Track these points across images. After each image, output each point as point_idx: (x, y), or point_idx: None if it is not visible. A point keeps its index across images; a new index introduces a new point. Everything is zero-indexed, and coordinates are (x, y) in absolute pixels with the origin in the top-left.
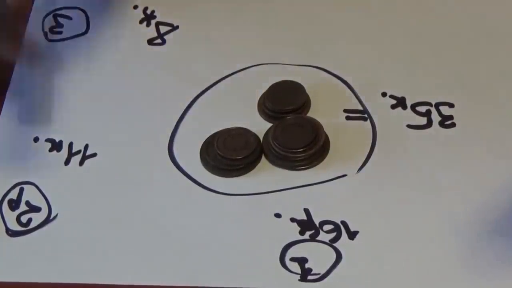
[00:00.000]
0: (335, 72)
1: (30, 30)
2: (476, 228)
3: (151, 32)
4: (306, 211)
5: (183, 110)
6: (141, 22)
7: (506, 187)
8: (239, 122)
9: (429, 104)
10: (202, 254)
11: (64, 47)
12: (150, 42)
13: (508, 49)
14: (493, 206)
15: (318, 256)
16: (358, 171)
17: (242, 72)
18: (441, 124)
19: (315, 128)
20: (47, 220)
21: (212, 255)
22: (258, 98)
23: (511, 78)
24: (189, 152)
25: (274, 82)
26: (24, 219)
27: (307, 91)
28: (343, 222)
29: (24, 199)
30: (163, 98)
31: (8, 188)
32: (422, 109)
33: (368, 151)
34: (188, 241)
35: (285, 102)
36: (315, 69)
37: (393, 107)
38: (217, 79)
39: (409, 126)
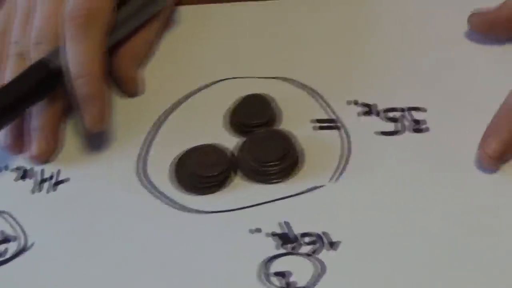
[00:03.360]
0: (304, 83)
1: None
2: (455, 234)
3: None
4: (286, 224)
5: (155, 129)
6: None
7: (481, 192)
8: (210, 138)
9: (401, 109)
10: (180, 274)
11: None
12: None
13: (479, 52)
14: (470, 210)
15: (301, 269)
16: (335, 180)
17: (212, 86)
18: (414, 129)
19: (288, 140)
20: (23, 249)
21: (191, 275)
22: (228, 112)
23: (484, 81)
24: (162, 171)
25: (243, 95)
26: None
27: (278, 103)
28: (324, 233)
29: None
30: (134, 116)
31: None
32: (395, 114)
33: (343, 160)
34: (165, 261)
35: (256, 116)
36: (284, 80)
37: (365, 114)
38: (187, 95)
39: (382, 132)
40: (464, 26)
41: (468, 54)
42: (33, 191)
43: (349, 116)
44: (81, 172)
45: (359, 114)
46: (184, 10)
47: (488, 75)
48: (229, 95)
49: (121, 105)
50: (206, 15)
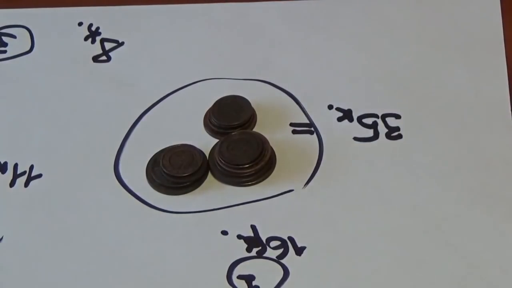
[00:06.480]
0: (280, 86)
1: None
2: (424, 242)
3: (96, 49)
4: (253, 227)
5: (129, 128)
6: (86, 39)
7: (453, 198)
8: (185, 139)
9: (376, 116)
10: (149, 273)
11: (8, 67)
12: (95, 59)
13: (454, 59)
14: (440, 216)
15: (265, 273)
16: (304, 185)
17: (188, 87)
18: (388, 136)
19: (261, 143)
20: None
21: (159, 274)
22: (204, 114)
23: (457, 88)
24: (135, 171)
25: (219, 97)
26: None
27: (253, 105)
28: (290, 238)
29: None
30: (109, 115)
31: None
32: (369, 121)
33: (314, 165)
34: (135, 260)
35: (231, 118)
36: (260, 83)
37: (340, 119)
38: (163, 95)
39: (355, 138)
40: (439, 34)
41: (442, 62)
42: (6, 186)
43: (323, 121)
44: (54, 168)
45: (333, 119)
46: (162, 10)
47: (462, 83)
48: (206, 96)
49: (98, 104)
50: (185, 15)
